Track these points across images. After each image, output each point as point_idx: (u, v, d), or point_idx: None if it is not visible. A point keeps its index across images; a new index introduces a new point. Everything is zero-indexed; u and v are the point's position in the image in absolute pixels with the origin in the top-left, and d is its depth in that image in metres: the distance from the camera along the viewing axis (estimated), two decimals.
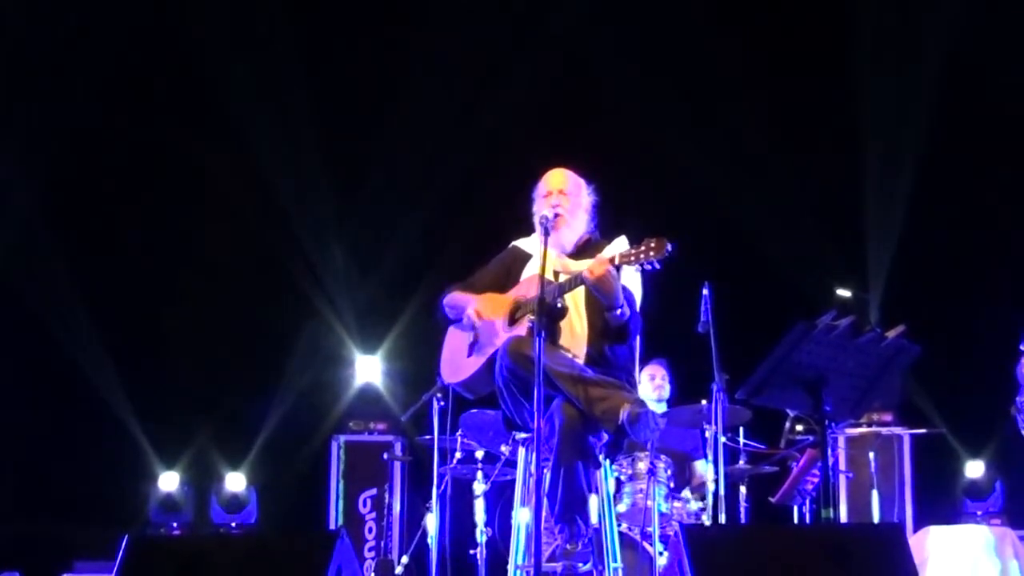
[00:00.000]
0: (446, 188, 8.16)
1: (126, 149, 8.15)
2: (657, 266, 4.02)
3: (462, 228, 7.90)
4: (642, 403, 4.08)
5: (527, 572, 4.15)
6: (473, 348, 4.48)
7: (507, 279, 4.56)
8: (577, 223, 4.50)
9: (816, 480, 5.88)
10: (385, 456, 7.34)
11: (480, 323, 4.40)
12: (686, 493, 5.90)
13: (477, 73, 8.02)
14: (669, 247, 3.99)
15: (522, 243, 4.68)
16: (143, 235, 8.29)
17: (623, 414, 4.01)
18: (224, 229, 8.29)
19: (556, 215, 4.39)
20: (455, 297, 4.57)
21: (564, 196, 4.48)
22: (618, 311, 4.18)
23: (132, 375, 8.15)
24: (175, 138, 8.13)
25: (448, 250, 7.65)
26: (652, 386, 6.35)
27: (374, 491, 7.72)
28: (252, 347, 8.18)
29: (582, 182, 4.58)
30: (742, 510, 6.04)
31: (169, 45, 8.08)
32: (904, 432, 7.27)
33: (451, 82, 8.07)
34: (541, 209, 4.43)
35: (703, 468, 6.14)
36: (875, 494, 6.70)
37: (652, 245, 4.02)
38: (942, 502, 7.37)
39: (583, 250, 4.49)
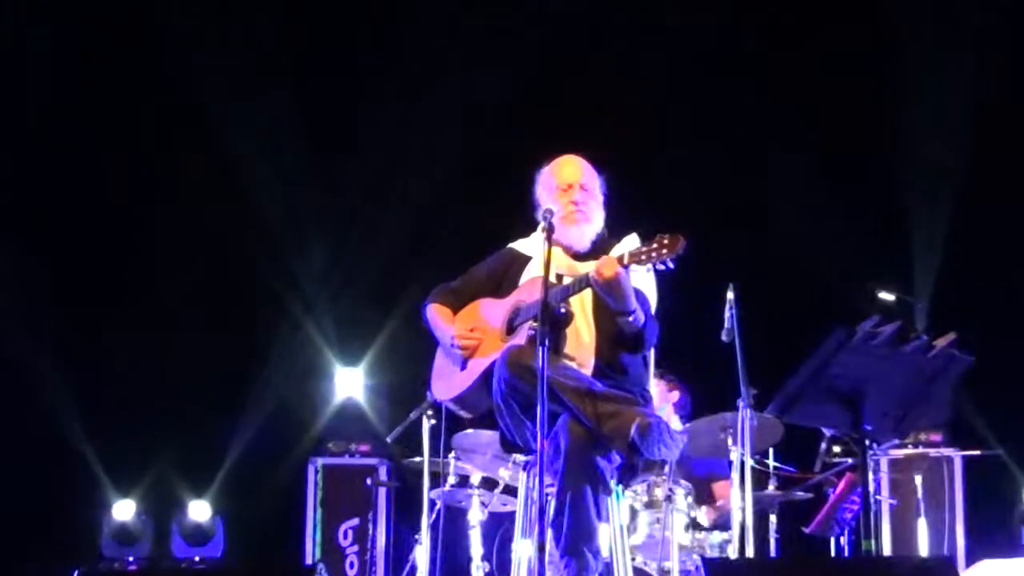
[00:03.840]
0: (434, 186, 8.19)
1: (83, 148, 8.17)
2: (671, 266, 4.01)
3: (451, 228, 7.93)
4: (655, 415, 4.07)
5: None
6: (467, 360, 4.47)
7: (502, 284, 4.56)
8: (597, 220, 4.51)
9: (856, 508, 5.87)
10: (369, 481, 7.34)
11: (468, 352, 4.39)
12: (707, 520, 5.89)
13: (464, 63, 8.05)
14: (683, 244, 3.98)
15: (520, 245, 4.67)
16: (93, 235, 8.29)
17: (632, 429, 4.00)
18: (187, 228, 8.29)
19: (579, 211, 4.37)
20: (436, 315, 4.57)
21: (585, 191, 4.47)
22: (631, 316, 4.17)
23: (82, 389, 8.14)
24: (139, 134, 8.17)
25: (437, 251, 7.66)
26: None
27: (356, 521, 7.71)
28: (219, 359, 8.17)
29: (596, 173, 4.57)
30: (772, 542, 6.04)
31: (137, 36, 8.13)
32: (955, 454, 7.25)
33: (437, 74, 8.12)
34: (556, 203, 4.41)
35: (727, 492, 6.12)
36: (922, 523, 6.70)
37: (665, 242, 4.00)
38: (998, 532, 7.36)
39: (592, 250, 4.48)
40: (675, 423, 6.34)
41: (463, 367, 4.47)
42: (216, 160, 8.15)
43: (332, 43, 8.33)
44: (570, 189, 4.47)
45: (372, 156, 8.26)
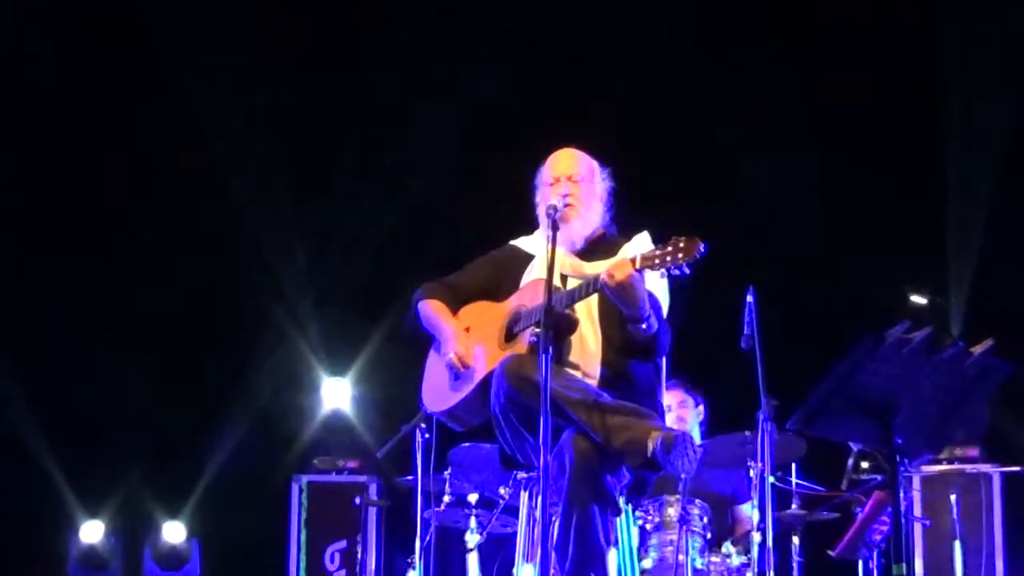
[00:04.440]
0: (428, 179, 8.21)
1: (57, 151, 8.21)
2: (687, 271, 4.01)
3: (447, 225, 7.94)
4: (675, 428, 4.08)
5: None
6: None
7: (500, 284, 4.56)
8: (591, 215, 4.50)
9: (885, 529, 5.87)
10: (357, 501, 7.32)
11: (463, 367, 4.40)
12: (727, 546, 5.89)
13: (459, 45, 8.08)
14: (701, 249, 3.98)
15: (522, 242, 4.67)
16: (59, 243, 8.31)
17: (653, 443, 4.00)
18: (162, 232, 8.31)
19: (566, 204, 4.38)
20: (432, 314, 4.56)
21: (575, 183, 4.47)
22: (643, 323, 4.17)
23: (46, 400, 8.14)
24: (122, 135, 8.23)
25: (431, 252, 7.66)
26: (671, 418, 6.34)
27: (344, 544, 7.71)
28: (195, 368, 8.18)
29: (596, 165, 4.58)
30: (795, 565, 6.04)
31: (116, 35, 8.20)
32: (993, 470, 7.25)
33: (428, 77, 8.18)
34: (547, 199, 4.42)
35: (747, 512, 6.13)
36: (958, 546, 6.70)
37: (681, 246, 4.00)
38: None
39: (596, 248, 4.48)
40: (695, 439, 6.35)
41: (457, 377, 4.47)
42: (199, 162, 8.19)
43: (320, 44, 8.38)
44: (558, 183, 4.48)
45: (362, 159, 8.30)
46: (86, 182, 8.29)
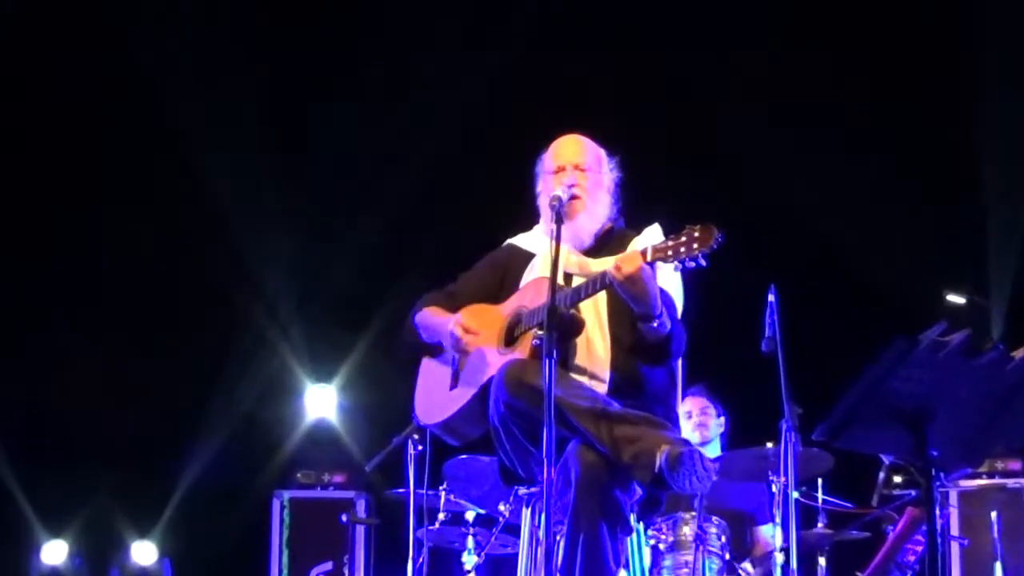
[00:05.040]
0: (419, 171, 8.24)
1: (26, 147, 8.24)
2: (703, 263, 3.99)
3: (432, 230, 7.97)
4: (686, 442, 4.06)
5: None
6: (458, 377, 4.46)
7: (501, 285, 4.56)
8: (598, 208, 4.49)
9: (920, 549, 5.87)
10: (344, 518, 7.34)
11: (470, 344, 4.38)
12: (746, 566, 5.89)
13: (438, 64, 8.14)
14: (719, 237, 3.96)
15: (521, 240, 4.67)
16: (27, 240, 8.33)
17: (660, 457, 3.99)
18: (133, 231, 8.33)
19: (572, 196, 4.37)
20: (429, 316, 4.56)
21: (581, 172, 4.46)
22: (655, 322, 4.15)
23: (5, 411, 8.14)
24: (90, 132, 8.30)
25: (421, 251, 7.68)
26: (691, 425, 6.35)
27: (329, 565, 7.72)
28: (168, 374, 8.19)
29: (603, 153, 4.57)
30: None
31: (95, 36, 8.25)
32: None
33: (411, 77, 8.26)
34: (550, 190, 4.41)
35: (769, 533, 6.14)
36: (999, 567, 6.70)
37: (696, 235, 3.98)
38: None
39: (604, 243, 4.47)
40: (715, 451, 6.35)
41: (454, 385, 4.46)
42: (176, 163, 8.22)
43: (298, 45, 8.45)
44: (562, 171, 4.47)
45: (348, 159, 8.36)
46: (53, 180, 8.31)
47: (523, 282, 4.50)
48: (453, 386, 4.47)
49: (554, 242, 4.08)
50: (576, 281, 4.30)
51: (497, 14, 8.10)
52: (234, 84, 8.32)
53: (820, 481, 6.07)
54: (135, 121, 8.31)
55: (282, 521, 7.85)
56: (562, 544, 4.07)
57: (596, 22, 8.17)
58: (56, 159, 8.34)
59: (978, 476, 7.24)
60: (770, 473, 5.82)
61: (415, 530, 5.86)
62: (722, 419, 6.50)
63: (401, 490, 5.99)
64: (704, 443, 6.34)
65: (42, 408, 8.19)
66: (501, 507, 5.93)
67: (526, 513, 4.38)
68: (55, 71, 8.24)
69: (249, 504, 8.14)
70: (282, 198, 8.45)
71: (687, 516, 5.68)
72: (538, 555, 4.16)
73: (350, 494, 7.85)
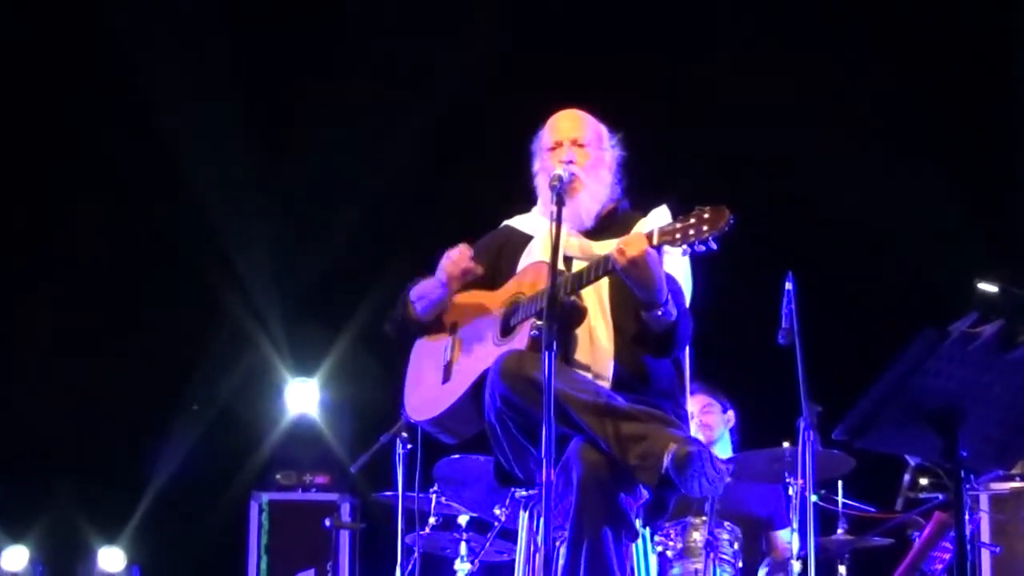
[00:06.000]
0: (410, 144, 8.28)
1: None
2: (713, 246, 3.99)
3: (421, 214, 7.98)
4: (695, 441, 4.06)
5: None
6: (451, 369, 4.47)
7: (496, 270, 4.56)
8: (599, 187, 4.49)
9: (948, 557, 5.89)
10: (327, 522, 7.36)
11: (457, 272, 4.39)
12: (762, 574, 5.91)
13: (420, 49, 8.21)
14: (730, 219, 3.96)
15: (518, 221, 4.67)
16: None
17: (667, 457, 3.99)
18: (97, 204, 8.35)
19: (572, 175, 4.37)
20: (422, 282, 4.56)
21: (580, 149, 4.46)
22: (660, 310, 4.15)
23: None
24: (67, 119, 8.35)
25: (403, 240, 7.69)
26: (693, 426, 6.34)
27: (311, 573, 7.72)
28: (138, 368, 8.20)
29: (604, 130, 4.57)
30: None
31: (70, 16, 8.29)
32: None
33: (391, 63, 8.31)
34: (548, 168, 4.41)
35: (787, 538, 6.15)
36: None
37: (706, 217, 3.98)
38: None
39: (607, 225, 4.47)
40: (726, 450, 6.36)
41: (446, 378, 4.46)
42: (153, 154, 8.25)
43: (279, 34, 8.51)
44: (559, 147, 4.47)
45: (329, 147, 8.41)
46: (21, 173, 8.34)
47: (520, 266, 4.50)
48: (446, 379, 4.47)
49: (554, 224, 4.08)
50: (577, 265, 4.30)
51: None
52: (212, 73, 8.35)
53: (840, 484, 6.08)
54: (109, 112, 8.34)
55: (260, 525, 7.87)
56: (563, 551, 4.08)
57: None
58: (25, 151, 8.35)
59: (1010, 479, 7.24)
60: (787, 475, 5.83)
61: (404, 535, 5.88)
62: (730, 413, 6.51)
63: (389, 492, 6.01)
64: (712, 443, 6.34)
65: (2, 401, 8.20)
66: (497, 511, 5.94)
67: (523, 517, 4.39)
68: (26, 55, 8.29)
69: (225, 507, 8.16)
70: (263, 186, 8.47)
71: (697, 521, 5.69)
72: (536, 562, 4.16)
73: (334, 496, 7.87)
